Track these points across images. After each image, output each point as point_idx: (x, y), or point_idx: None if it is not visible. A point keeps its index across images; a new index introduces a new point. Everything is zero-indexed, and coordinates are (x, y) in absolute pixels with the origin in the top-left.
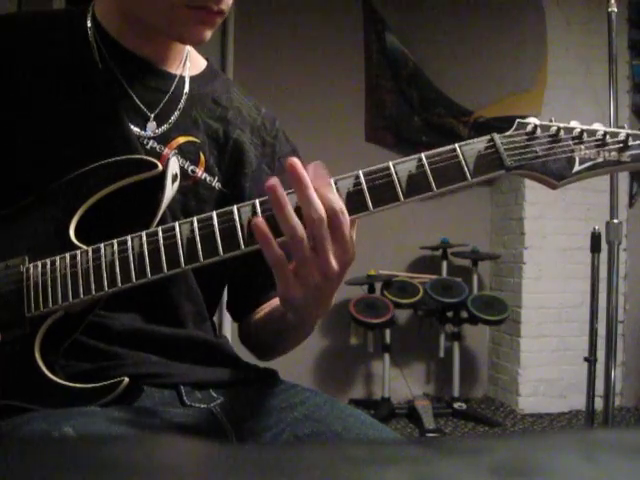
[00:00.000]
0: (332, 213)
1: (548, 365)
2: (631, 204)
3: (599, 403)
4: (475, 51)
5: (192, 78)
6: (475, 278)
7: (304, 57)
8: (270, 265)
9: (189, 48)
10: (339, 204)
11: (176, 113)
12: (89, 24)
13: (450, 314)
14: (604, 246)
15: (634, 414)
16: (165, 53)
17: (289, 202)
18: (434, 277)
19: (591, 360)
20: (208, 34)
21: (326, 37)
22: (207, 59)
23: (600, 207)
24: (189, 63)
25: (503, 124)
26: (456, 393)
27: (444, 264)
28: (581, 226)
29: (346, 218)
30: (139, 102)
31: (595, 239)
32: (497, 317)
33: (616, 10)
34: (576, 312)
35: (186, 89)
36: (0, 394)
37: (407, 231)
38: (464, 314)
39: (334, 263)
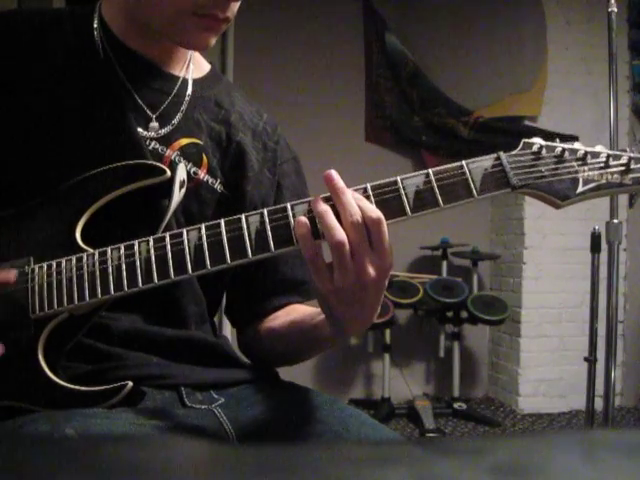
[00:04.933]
0: (369, 220)
1: (548, 365)
2: (631, 204)
3: (599, 403)
4: (475, 51)
5: (195, 81)
6: (475, 278)
7: (304, 57)
8: (306, 261)
9: (192, 51)
10: (376, 212)
11: (179, 115)
12: (95, 24)
13: (450, 314)
14: (604, 246)
15: (634, 414)
16: (169, 55)
17: (330, 210)
18: (434, 277)
19: (591, 360)
20: (213, 40)
21: (326, 37)
22: (211, 63)
23: (600, 207)
24: (192, 66)
25: (503, 124)
26: (456, 393)
27: (444, 264)
28: (581, 226)
29: (384, 225)
30: (142, 103)
31: (595, 239)
32: (497, 317)
33: (616, 10)
34: (576, 312)
35: (189, 91)
36: (2, 395)
37: (407, 231)
38: (464, 314)
39: (370, 269)
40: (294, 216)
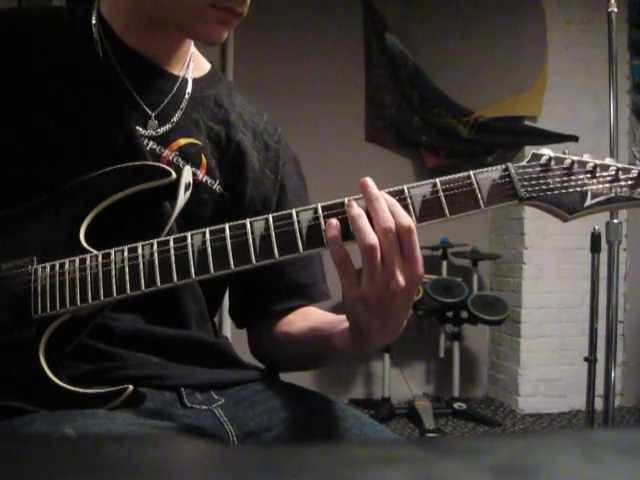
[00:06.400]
0: (401, 228)
1: (548, 365)
2: None
3: (599, 403)
4: (475, 51)
5: (195, 80)
6: (475, 278)
7: (304, 57)
8: (335, 264)
9: (193, 50)
10: (407, 220)
11: (178, 113)
12: (94, 21)
13: (450, 314)
14: (604, 246)
15: (634, 414)
16: (169, 54)
17: (364, 214)
18: (434, 277)
19: (591, 360)
20: (225, 35)
21: (326, 37)
22: (211, 62)
23: None
24: (192, 65)
25: (503, 124)
26: (456, 393)
27: (444, 264)
28: (581, 226)
29: (414, 234)
30: (141, 101)
31: (595, 239)
32: (497, 317)
33: (616, 10)
34: (576, 312)
35: (188, 90)
36: (3, 395)
37: None
38: (464, 314)
39: (400, 277)
40: (299, 223)
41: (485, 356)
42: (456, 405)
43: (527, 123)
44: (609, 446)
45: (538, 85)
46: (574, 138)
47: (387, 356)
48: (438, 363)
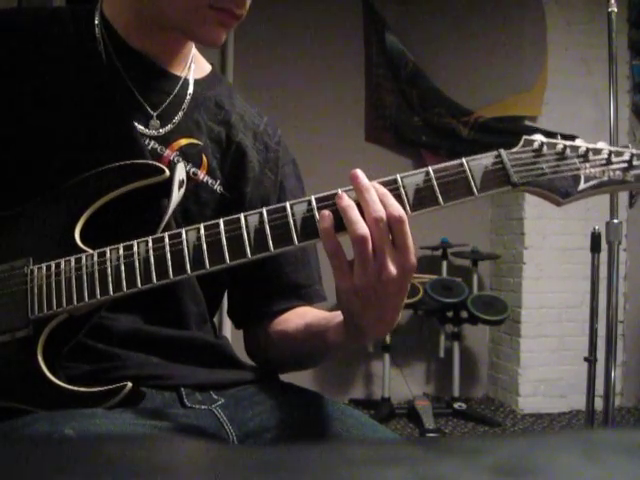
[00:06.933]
0: (392, 218)
1: (548, 365)
2: (631, 204)
3: (599, 403)
4: (475, 51)
5: (196, 81)
6: (475, 278)
7: (304, 57)
8: (327, 255)
9: (194, 51)
10: (398, 210)
11: (179, 114)
12: (97, 21)
13: (450, 314)
14: (604, 246)
15: (634, 414)
16: (171, 55)
17: (354, 205)
18: (434, 277)
19: (591, 360)
20: (224, 36)
21: (326, 37)
22: (212, 64)
23: (600, 207)
24: (194, 66)
25: (503, 124)
26: (456, 393)
27: (444, 264)
28: (581, 226)
29: (405, 224)
30: (143, 101)
31: (595, 239)
32: (497, 317)
33: (616, 10)
34: (576, 312)
35: (190, 91)
36: (1, 396)
37: None
38: (464, 314)
39: (392, 267)
40: (293, 215)
41: (485, 356)
42: (456, 405)
43: (527, 123)
44: (609, 446)
45: (538, 85)
46: (574, 138)
47: (387, 356)
48: (438, 363)
